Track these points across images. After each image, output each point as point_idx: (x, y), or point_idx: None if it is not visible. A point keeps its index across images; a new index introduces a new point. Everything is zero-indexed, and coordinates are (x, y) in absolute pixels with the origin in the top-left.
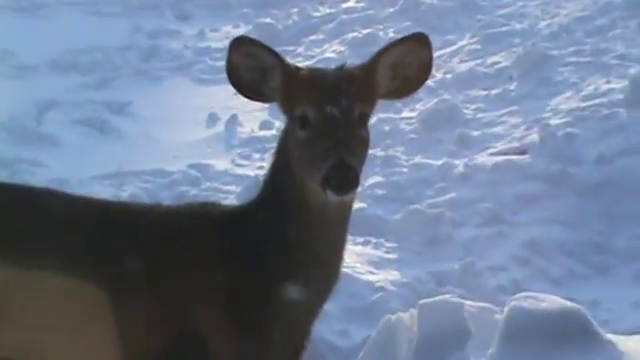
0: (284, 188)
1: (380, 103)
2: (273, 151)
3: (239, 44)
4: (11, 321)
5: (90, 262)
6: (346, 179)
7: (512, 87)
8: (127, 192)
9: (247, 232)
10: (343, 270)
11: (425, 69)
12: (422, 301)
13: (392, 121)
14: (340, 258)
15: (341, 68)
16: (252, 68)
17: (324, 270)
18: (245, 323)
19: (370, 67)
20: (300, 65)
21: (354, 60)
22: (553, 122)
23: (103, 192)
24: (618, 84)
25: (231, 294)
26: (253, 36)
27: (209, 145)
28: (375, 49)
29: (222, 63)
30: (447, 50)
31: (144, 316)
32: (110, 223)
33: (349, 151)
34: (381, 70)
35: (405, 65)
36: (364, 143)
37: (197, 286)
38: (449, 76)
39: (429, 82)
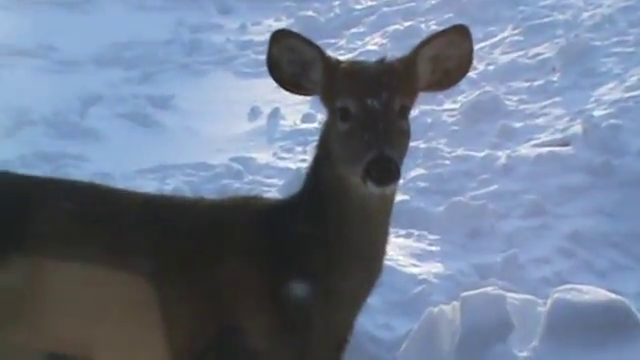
0: (325, 182)
1: (421, 95)
2: (315, 145)
3: (280, 37)
4: (56, 315)
5: (133, 256)
6: (387, 171)
7: (555, 78)
8: (170, 186)
9: (289, 227)
10: (386, 263)
11: (466, 61)
12: (464, 293)
13: (434, 113)
14: (382, 252)
15: (382, 61)
16: (293, 61)
17: (366, 264)
18: (286, 318)
19: (411, 60)
20: (341, 58)
21: (395, 53)
22: (596, 113)
23: (146, 186)
24: None
25: (272, 289)
26: (295, 29)
27: (251, 138)
28: (416, 41)
29: (264, 56)
30: (489, 42)
31: (187, 311)
32: (153, 217)
33: (389, 143)
34: (422, 63)
35: (446, 57)
36: (404, 135)
37: (239, 281)
38: (491, 68)
39: (471, 74)
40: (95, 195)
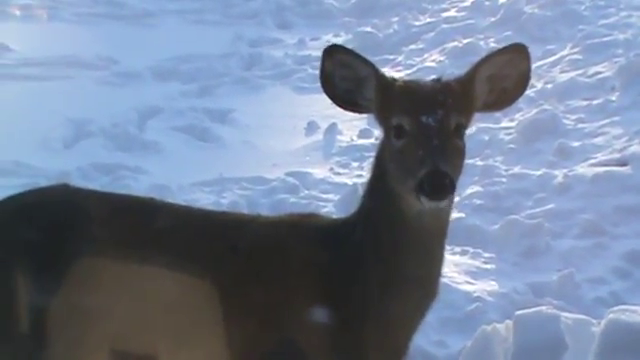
0: (380, 200)
1: (477, 119)
2: (371, 163)
3: (333, 52)
4: (117, 323)
5: (190, 270)
6: (441, 185)
7: (614, 98)
8: (227, 199)
9: (345, 246)
10: (441, 280)
11: (523, 81)
12: (518, 312)
13: (491, 131)
14: (438, 273)
15: (438, 80)
16: (346, 77)
17: (421, 285)
18: (341, 338)
19: (468, 79)
20: (396, 76)
21: (454, 70)
22: None
23: (203, 199)
24: None
25: (328, 309)
26: (353, 45)
27: (308, 153)
28: (475, 59)
29: None
30: (548, 60)
31: (243, 326)
32: (214, 233)
33: (444, 159)
34: (479, 82)
35: (503, 77)
36: (460, 153)
37: (294, 299)
38: (549, 86)
39: (529, 92)
40: (154, 209)
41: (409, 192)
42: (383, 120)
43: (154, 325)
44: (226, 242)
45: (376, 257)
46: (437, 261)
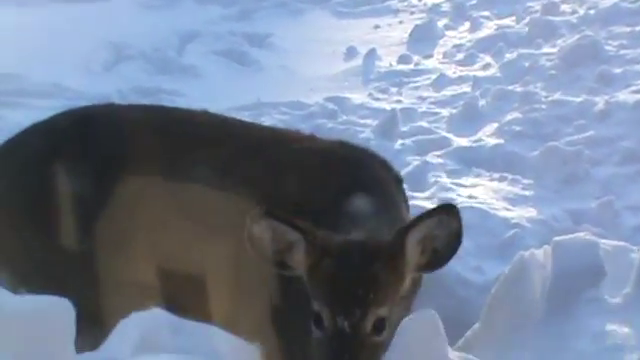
0: None
1: (519, 39)
2: None
3: (259, 218)
4: (160, 239)
5: (236, 186)
6: None
7: None
8: (265, 123)
9: None
10: (478, 206)
11: (454, 240)
12: (556, 238)
13: (532, 57)
14: None
15: (364, 247)
16: (276, 240)
17: None
18: None
19: (398, 246)
20: (326, 238)
21: None
22: None
23: None
24: None
25: None
26: None
27: (347, 78)
28: None
29: None
30: None
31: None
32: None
33: None
34: (410, 246)
35: (434, 237)
36: (377, 350)
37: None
38: (592, 12)
39: (571, 18)
40: (206, 122)
41: None
42: (310, 289)
43: (197, 242)
44: (268, 159)
45: None
46: None
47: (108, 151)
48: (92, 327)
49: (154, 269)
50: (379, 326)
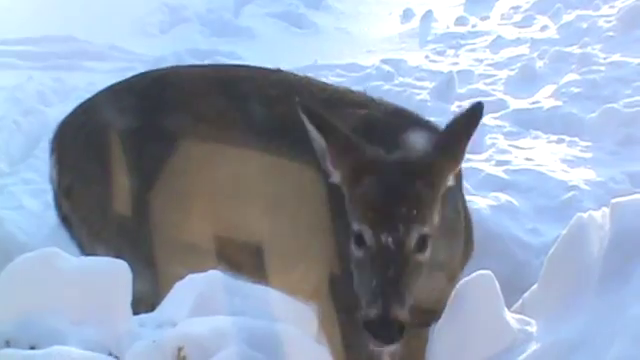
0: None
1: (575, 6)
2: None
3: (302, 109)
4: (215, 201)
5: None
6: (387, 335)
7: None
8: None
9: None
10: (536, 168)
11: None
12: (615, 200)
13: (590, 18)
14: None
15: (405, 164)
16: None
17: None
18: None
19: (437, 162)
20: (361, 151)
21: None
22: None
23: None
24: None
25: None
26: None
27: (403, 40)
28: None
29: None
30: None
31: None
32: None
33: (397, 298)
34: (447, 161)
35: None
36: (419, 271)
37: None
38: None
39: None
40: (278, 80)
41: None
42: (349, 207)
43: (260, 201)
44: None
45: None
46: None
47: (178, 114)
48: (150, 288)
49: (214, 230)
50: (422, 243)
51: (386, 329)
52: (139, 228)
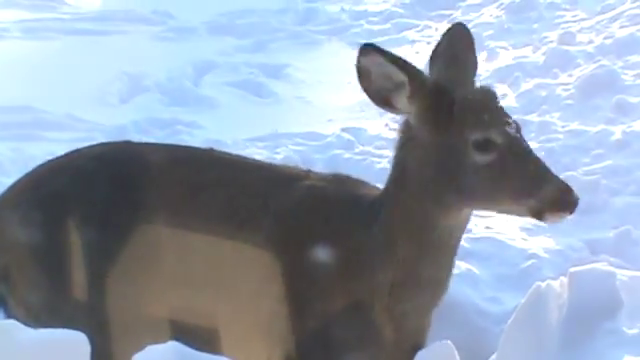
0: (407, 213)
1: (536, 69)
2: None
3: (367, 52)
4: (162, 279)
5: (249, 226)
6: (576, 200)
7: None
8: (281, 154)
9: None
10: (495, 236)
11: None
12: (573, 269)
13: (548, 86)
14: (449, 277)
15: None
16: (382, 75)
17: (433, 289)
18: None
19: None
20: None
21: (511, 26)
22: None
23: (257, 154)
24: None
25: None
26: (408, 1)
27: (363, 109)
28: (532, 14)
29: (378, 27)
30: (607, 15)
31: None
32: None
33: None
34: None
35: None
36: None
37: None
38: (608, 41)
39: (587, 47)
40: (213, 162)
41: (524, 209)
42: (449, 131)
43: (195, 281)
44: (267, 201)
45: (392, 258)
46: (452, 265)
47: (123, 193)
48: None
49: (169, 312)
50: None
51: (574, 196)
52: (82, 309)
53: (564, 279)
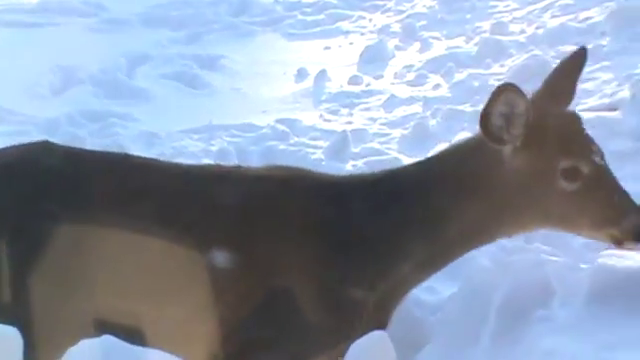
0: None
1: (470, 59)
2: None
3: (506, 91)
4: (94, 288)
5: (172, 231)
6: None
7: (604, 43)
8: (216, 146)
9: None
10: None
11: None
12: (507, 258)
13: (481, 77)
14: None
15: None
16: (503, 114)
17: (433, 271)
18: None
19: None
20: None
21: (445, 16)
22: None
23: (192, 146)
24: None
25: (321, 268)
26: None
27: (298, 100)
28: (465, 4)
29: (312, 18)
30: (539, 5)
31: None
32: (197, 189)
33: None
34: None
35: None
36: None
37: (284, 256)
38: (540, 31)
39: (519, 37)
40: (129, 168)
41: (604, 236)
42: (540, 158)
43: (128, 289)
44: (211, 200)
45: (395, 250)
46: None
47: (44, 192)
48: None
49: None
50: None
51: None
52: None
53: (499, 268)
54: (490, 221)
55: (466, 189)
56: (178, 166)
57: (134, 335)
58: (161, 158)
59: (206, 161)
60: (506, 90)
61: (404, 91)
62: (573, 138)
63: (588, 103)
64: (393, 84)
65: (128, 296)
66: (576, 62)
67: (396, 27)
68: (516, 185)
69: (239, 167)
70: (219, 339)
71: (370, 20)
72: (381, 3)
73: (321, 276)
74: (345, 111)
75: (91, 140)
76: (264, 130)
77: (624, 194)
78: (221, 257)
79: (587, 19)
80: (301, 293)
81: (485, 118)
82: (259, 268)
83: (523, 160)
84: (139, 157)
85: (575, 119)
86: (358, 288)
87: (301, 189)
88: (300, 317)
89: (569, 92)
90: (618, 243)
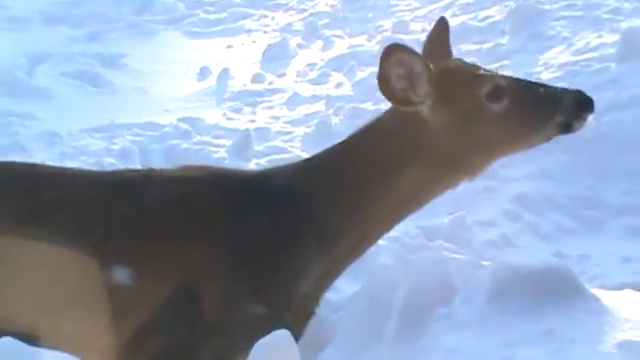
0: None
1: (369, 63)
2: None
3: (392, 52)
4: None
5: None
6: (591, 98)
7: (504, 41)
8: (118, 145)
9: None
10: None
11: None
12: (409, 255)
13: None
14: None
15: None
16: (402, 75)
17: (356, 256)
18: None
19: None
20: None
21: (347, 14)
22: (544, 76)
23: (94, 145)
24: (610, 39)
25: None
26: None
27: (200, 98)
28: (367, 3)
29: (214, 16)
30: (440, 4)
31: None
32: (103, 196)
33: None
34: None
35: None
36: None
37: (197, 256)
38: None
39: (421, 36)
40: (35, 177)
41: (541, 136)
42: (456, 99)
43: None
44: (120, 205)
45: (318, 234)
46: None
47: None
48: None
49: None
50: None
51: (586, 96)
52: None
53: (401, 265)
54: (431, 182)
55: (399, 161)
56: (86, 173)
57: (33, 339)
58: (62, 158)
59: (108, 160)
60: (395, 51)
61: (307, 89)
62: (475, 69)
63: None
64: (296, 82)
65: (24, 303)
66: (440, 29)
67: (299, 25)
68: (450, 135)
69: (150, 170)
70: (120, 347)
71: (273, 19)
72: (284, 2)
73: (230, 281)
74: (248, 109)
75: None
76: (166, 129)
77: (546, 85)
78: (119, 265)
79: (487, 18)
80: (207, 296)
81: (383, 83)
82: (161, 274)
83: (445, 111)
84: (47, 166)
85: (462, 61)
86: (271, 292)
87: (219, 189)
88: (205, 322)
89: (445, 56)
90: (568, 128)
